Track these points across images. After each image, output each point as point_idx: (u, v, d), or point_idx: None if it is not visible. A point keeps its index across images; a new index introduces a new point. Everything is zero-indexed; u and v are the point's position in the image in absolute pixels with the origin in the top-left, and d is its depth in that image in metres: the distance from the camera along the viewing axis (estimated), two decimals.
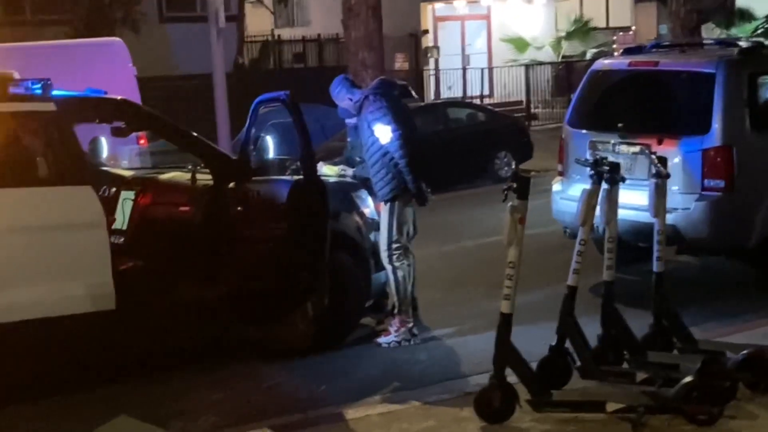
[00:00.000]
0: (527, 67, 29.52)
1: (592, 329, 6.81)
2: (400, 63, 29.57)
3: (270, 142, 13.87)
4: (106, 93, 8.13)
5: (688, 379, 6.03)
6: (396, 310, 8.32)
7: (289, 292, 7.55)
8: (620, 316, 6.86)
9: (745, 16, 29.49)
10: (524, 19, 32.00)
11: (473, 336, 8.35)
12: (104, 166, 9.45)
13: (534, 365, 6.44)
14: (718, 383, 6.10)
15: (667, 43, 11.30)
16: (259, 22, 33.80)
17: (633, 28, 34.07)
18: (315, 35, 30.89)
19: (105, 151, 9.77)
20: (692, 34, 19.82)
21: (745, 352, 6.63)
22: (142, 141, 13.89)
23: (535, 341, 7.23)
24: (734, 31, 28.32)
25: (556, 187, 10.20)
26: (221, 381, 7.46)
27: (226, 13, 18.67)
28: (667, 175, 7.09)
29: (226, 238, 7.67)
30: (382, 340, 8.28)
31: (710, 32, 26.72)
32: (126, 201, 8.39)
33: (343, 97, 8.53)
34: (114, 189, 8.50)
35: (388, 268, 8.30)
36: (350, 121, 8.66)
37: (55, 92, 7.38)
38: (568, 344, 6.64)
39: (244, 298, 7.64)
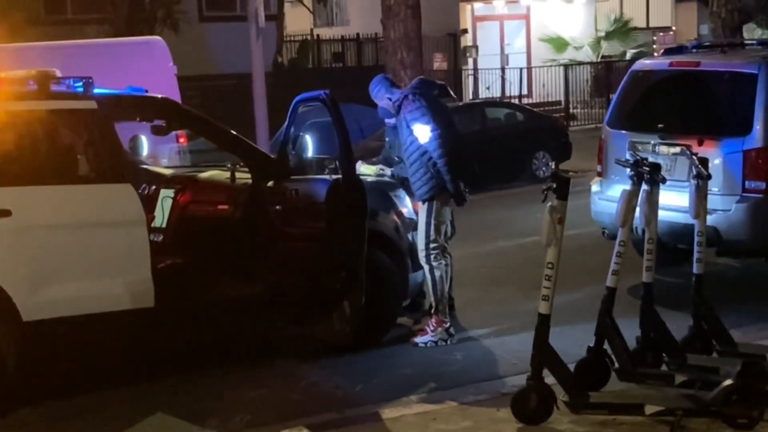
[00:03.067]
0: (566, 67, 29.41)
1: (630, 331, 6.78)
2: (439, 63, 29.53)
3: (309, 141, 13.91)
4: (146, 91, 8.18)
5: (727, 382, 5.98)
6: (433, 310, 8.32)
7: (327, 290, 7.56)
8: (659, 318, 6.82)
9: None
10: (564, 18, 31.87)
11: (510, 336, 8.32)
12: (144, 164, 9.50)
13: (572, 366, 6.41)
14: (758, 386, 6.04)
15: (708, 44, 11.21)
16: (298, 22, 33.89)
17: (673, 28, 33.85)
18: (354, 35, 30.92)
19: (145, 150, 9.83)
20: (733, 34, 19.67)
21: None
22: (181, 139, 13.96)
23: (573, 342, 7.22)
24: None
25: (595, 187, 10.15)
26: (258, 379, 7.48)
27: (266, 12, 18.74)
28: (708, 177, 7.03)
29: (264, 236, 7.69)
30: (418, 339, 8.27)
31: (751, 32, 26.49)
32: (165, 199, 8.44)
33: (382, 96, 8.53)
34: (153, 187, 8.56)
35: (426, 267, 8.29)
36: (389, 120, 8.67)
37: (96, 90, 7.44)
38: (606, 346, 6.61)
39: (282, 296, 7.66)
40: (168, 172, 9.18)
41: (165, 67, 14.17)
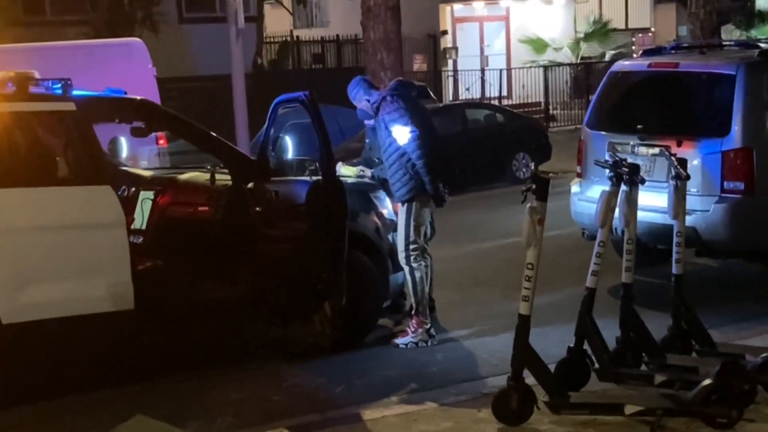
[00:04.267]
0: (546, 68, 29.48)
1: (610, 331, 6.80)
2: (419, 64, 29.58)
3: (289, 142, 13.88)
4: (125, 93, 8.16)
5: (707, 381, 6.01)
6: (413, 311, 8.33)
7: (308, 292, 7.56)
8: (639, 318, 6.84)
9: (765, 17, 29.39)
10: (543, 20, 31.95)
11: (491, 337, 8.34)
12: (124, 165, 9.47)
13: (552, 367, 6.43)
14: (737, 386, 6.06)
15: (686, 45, 11.26)
16: (277, 23, 33.84)
17: (652, 29, 34.02)
18: (334, 36, 30.90)
19: (124, 151, 9.82)
20: (712, 36, 19.77)
21: (764, 355, 6.60)
22: (161, 141, 13.93)
23: (553, 343, 7.24)
24: (754, 33, 28.23)
25: (575, 188, 10.18)
26: (239, 381, 7.47)
27: (245, 13, 18.69)
28: (687, 177, 7.06)
29: (244, 238, 7.68)
30: (399, 340, 8.28)
31: (730, 34, 26.63)
32: (145, 201, 8.42)
33: (360, 98, 8.53)
34: (133, 189, 8.53)
35: (406, 269, 8.30)
36: (369, 122, 8.67)
37: (75, 92, 7.41)
38: (586, 346, 6.63)
39: (263, 298, 7.65)
40: (147, 173, 9.15)
41: (144, 68, 14.15)
